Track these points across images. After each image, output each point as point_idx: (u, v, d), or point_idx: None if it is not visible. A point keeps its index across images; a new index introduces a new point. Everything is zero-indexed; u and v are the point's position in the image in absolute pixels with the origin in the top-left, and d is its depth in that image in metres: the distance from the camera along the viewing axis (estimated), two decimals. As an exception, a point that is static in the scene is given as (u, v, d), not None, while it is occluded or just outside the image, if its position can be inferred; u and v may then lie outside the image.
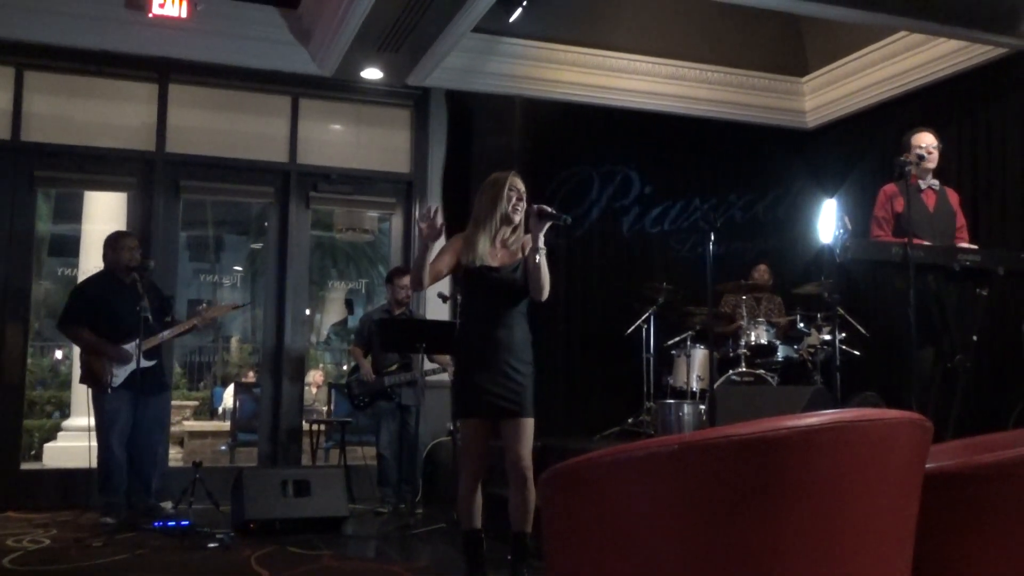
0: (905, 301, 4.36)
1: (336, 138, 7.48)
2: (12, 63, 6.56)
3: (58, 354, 11.73)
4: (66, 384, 9.45)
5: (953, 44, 6.53)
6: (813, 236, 7.93)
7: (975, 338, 4.79)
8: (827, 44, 7.66)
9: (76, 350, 5.80)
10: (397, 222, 7.53)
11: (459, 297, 5.32)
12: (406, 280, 6.24)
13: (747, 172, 8.15)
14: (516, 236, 3.85)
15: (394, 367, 6.26)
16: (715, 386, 5.11)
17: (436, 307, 6.70)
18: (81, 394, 5.96)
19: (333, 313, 15.99)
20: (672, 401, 6.40)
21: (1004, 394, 5.64)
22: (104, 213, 7.85)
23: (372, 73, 6.93)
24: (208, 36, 6.69)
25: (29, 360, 7.10)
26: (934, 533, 2.02)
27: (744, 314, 6.70)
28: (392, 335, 5.97)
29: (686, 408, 6.15)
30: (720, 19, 7.43)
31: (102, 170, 6.79)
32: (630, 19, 7.42)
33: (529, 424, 3.73)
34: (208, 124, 7.05)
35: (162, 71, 6.82)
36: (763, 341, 6.49)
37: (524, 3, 5.99)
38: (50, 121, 6.67)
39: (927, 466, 1.94)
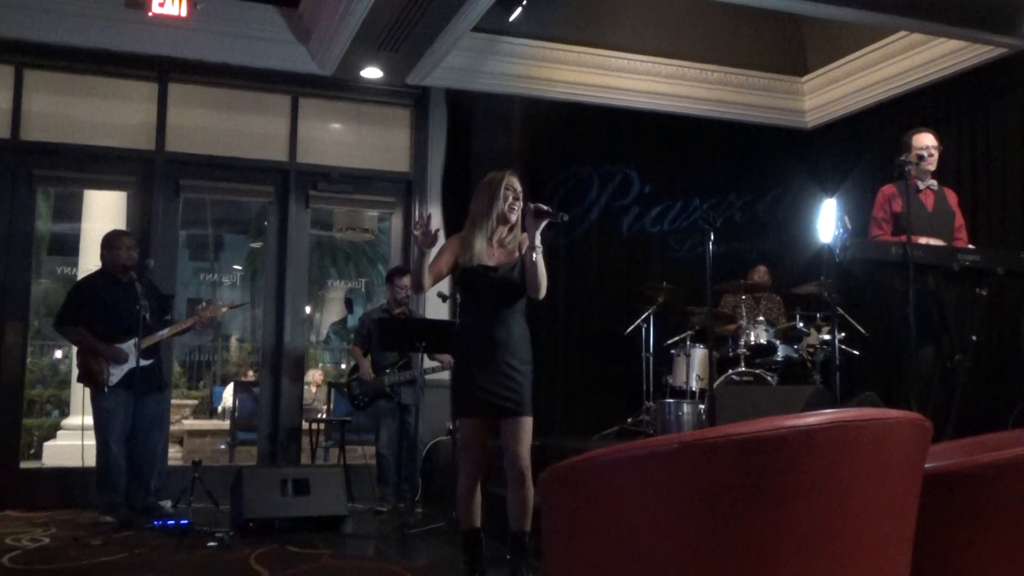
0: (904, 301, 4.36)
1: (336, 137, 7.47)
2: (12, 62, 6.56)
3: (57, 353, 11.74)
4: (65, 383, 9.46)
5: (953, 44, 6.53)
6: (813, 236, 7.94)
7: (974, 338, 4.79)
8: (827, 44, 7.66)
9: (75, 349, 5.80)
10: (397, 221, 7.53)
11: (458, 297, 5.33)
12: (406, 280, 6.24)
13: (747, 172, 8.15)
14: (513, 235, 3.85)
15: (397, 365, 6.26)
16: (714, 386, 5.11)
17: (436, 306, 6.70)
18: (80, 393, 5.97)
19: (333, 312, 16.00)
20: (671, 401, 6.41)
21: (1003, 394, 5.64)
22: (104, 212, 7.85)
23: (372, 72, 6.93)
24: (208, 35, 6.69)
25: (28, 359, 7.10)
26: (933, 532, 2.02)
27: (744, 314, 6.70)
28: (391, 334, 5.97)
29: (685, 408, 6.15)
30: (720, 19, 7.44)
31: (102, 169, 6.80)
32: (630, 18, 7.42)
33: (528, 423, 3.74)
34: (208, 123, 7.05)
35: (162, 70, 6.82)
36: (763, 341, 6.49)
37: (524, 2, 5.98)
38: (50, 120, 6.67)
39: (926, 466, 1.94)
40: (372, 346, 6.38)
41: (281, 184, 7.19)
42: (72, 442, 6.59)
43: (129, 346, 5.51)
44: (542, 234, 3.74)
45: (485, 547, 3.85)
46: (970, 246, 5.01)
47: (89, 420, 5.62)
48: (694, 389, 6.49)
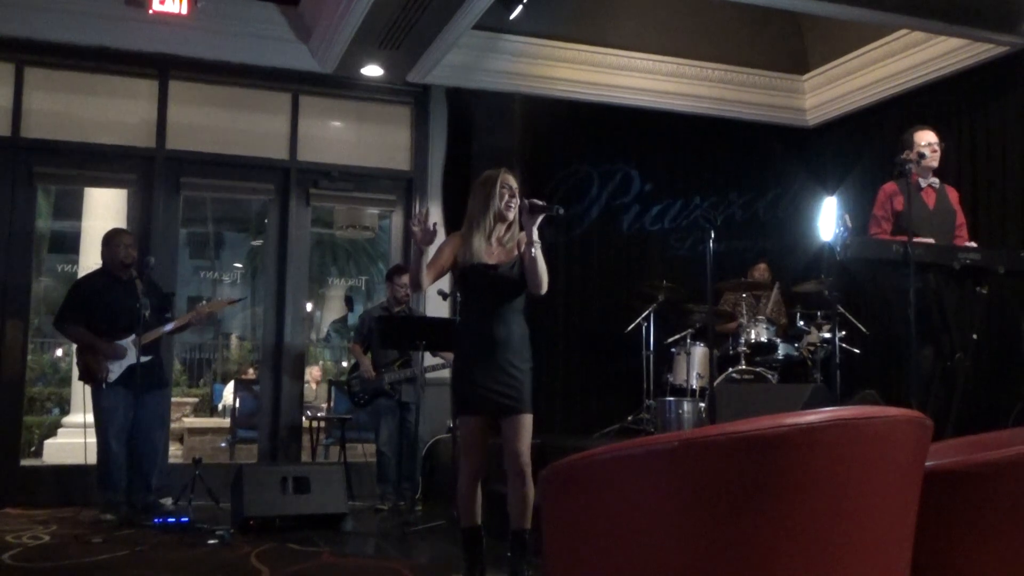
0: (905, 299, 4.36)
1: (336, 135, 7.47)
2: (12, 59, 6.55)
3: (58, 351, 11.76)
4: (66, 381, 9.46)
5: (953, 42, 6.52)
6: (813, 234, 7.94)
7: (975, 337, 4.79)
8: (828, 42, 7.66)
9: (76, 347, 5.81)
10: (397, 219, 7.52)
11: (458, 295, 5.33)
12: (406, 278, 6.24)
13: (747, 170, 8.15)
14: (511, 234, 3.86)
15: (397, 363, 6.27)
16: (715, 384, 5.12)
17: (436, 304, 6.70)
18: (81, 391, 5.97)
19: (333, 310, 16.02)
20: (672, 399, 6.41)
21: (1004, 392, 5.64)
22: (104, 210, 7.85)
23: (372, 70, 6.92)
24: (208, 33, 6.68)
25: (29, 356, 7.10)
26: (933, 530, 2.02)
27: (744, 312, 6.70)
28: (392, 332, 5.96)
29: (686, 406, 6.15)
30: (720, 17, 7.43)
31: (102, 167, 6.79)
32: (630, 16, 7.42)
33: (528, 420, 3.74)
34: (208, 121, 7.05)
35: (162, 68, 6.82)
36: (763, 339, 6.49)
37: (524, 0, 5.98)
38: (50, 117, 6.66)
39: (927, 464, 1.94)
40: (372, 344, 6.39)
41: (281, 182, 7.18)
42: (73, 440, 6.60)
43: (128, 342, 5.51)
44: (541, 230, 3.74)
45: (485, 545, 3.85)
46: (972, 243, 5.01)
47: (90, 418, 5.64)
48: (694, 387, 6.49)
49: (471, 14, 5.90)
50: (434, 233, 3.73)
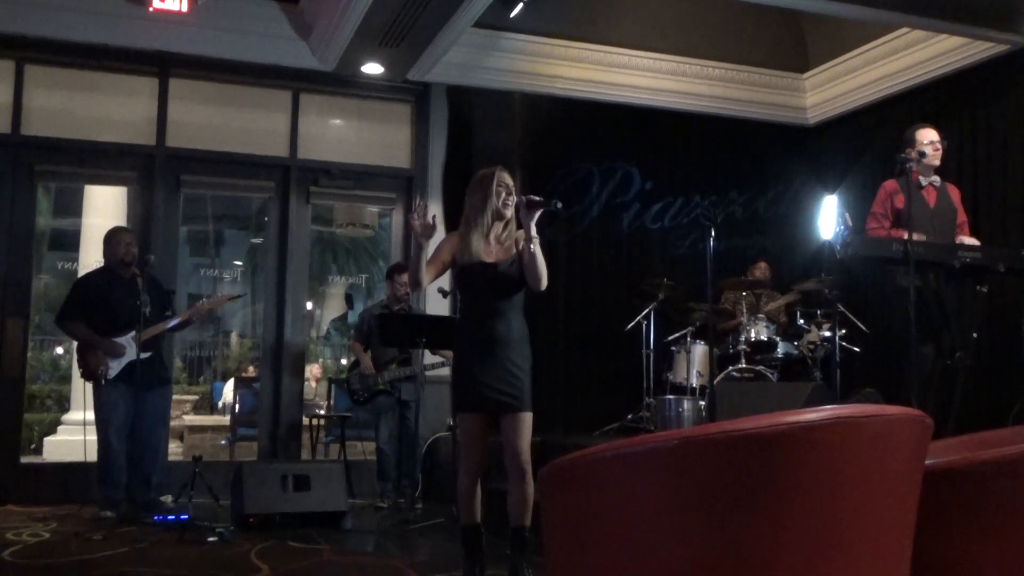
0: (905, 298, 4.36)
1: (337, 133, 7.47)
2: (12, 57, 6.55)
3: (58, 348, 11.76)
4: (66, 378, 9.47)
5: (954, 41, 6.52)
6: (814, 233, 7.93)
7: (975, 335, 4.79)
8: (828, 40, 7.65)
9: (76, 345, 5.81)
10: (397, 217, 7.52)
11: (458, 294, 5.33)
12: (406, 276, 6.23)
13: (748, 168, 8.14)
14: (509, 232, 3.86)
15: (397, 361, 6.26)
16: (715, 382, 5.12)
17: (436, 302, 6.70)
18: (81, 388, 5.97)
19: (333, 308, 16.01)
20: (672, 397, 6.41)
21: (1004, 391, 5.64)
22: (104, 207, 7.85)
23: (373, 68, 6.92)
24: (208, 30, 6.67)
25: (29, 354, 7.10)
26: (934, 529, 2.02)
27: (744, 310, 6.70)
28: (392, 330, 5.96)
29: (686, 404, 6.15)
30: (721, 15, 7.43)
31: (102, 164, 6.79)
32: (630, 15, 7.42)
33: (528, 418, 3.74)
34: (208, 119, 7.05)
35: (162, 65, 6.82)
36: (763, 337, 6.49)
37: (525, -2, 5.99)
38: (50, 115, 6.66)
39: (927, 462, 1.94)
40: (372, 342, 6.38)
41: (282, 180, 7.18)
42: (73, 437, 6.60)
43: (127, 339, 5.52)
44: (540, 227, 3.74)
45: (485, 542, 3.85)
46: (972, 241, 5.00)
47: (90, 415, 5.64)
48: (694, 385, 6.50)
49: (471, 12, 5.90)
50: (433, 227, 3.73)
